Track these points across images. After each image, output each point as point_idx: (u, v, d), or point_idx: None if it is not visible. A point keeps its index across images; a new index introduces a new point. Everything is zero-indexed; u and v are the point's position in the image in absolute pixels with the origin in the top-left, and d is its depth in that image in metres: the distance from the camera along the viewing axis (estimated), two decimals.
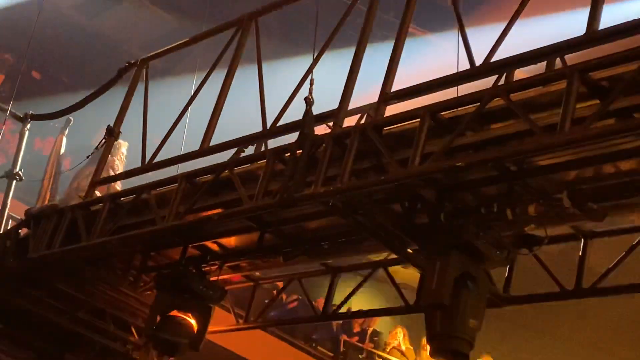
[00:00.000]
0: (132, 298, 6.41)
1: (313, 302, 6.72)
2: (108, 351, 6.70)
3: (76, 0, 13.69)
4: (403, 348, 11.00)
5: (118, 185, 7.05)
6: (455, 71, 4.83)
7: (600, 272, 4.83)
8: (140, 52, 7.36)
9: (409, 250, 4.94)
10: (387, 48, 4.89)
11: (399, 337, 11.02)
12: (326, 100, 5.07)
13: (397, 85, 4.83)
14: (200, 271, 5.89)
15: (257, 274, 6.50)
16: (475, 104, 4.26)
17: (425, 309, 4.56)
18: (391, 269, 5.73)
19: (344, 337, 11.24)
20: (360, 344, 11.31)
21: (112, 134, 6.28)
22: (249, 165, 5.31)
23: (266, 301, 7.07)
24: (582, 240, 4.91)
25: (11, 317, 6.77)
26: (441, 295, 4.45)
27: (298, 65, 5.89)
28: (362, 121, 5.79)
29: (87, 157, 6.75)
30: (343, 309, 6.10)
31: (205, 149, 5.56)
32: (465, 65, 4.58)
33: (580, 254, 4.90)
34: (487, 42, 4.37)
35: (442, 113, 4.41)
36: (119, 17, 14.28)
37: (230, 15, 6.02)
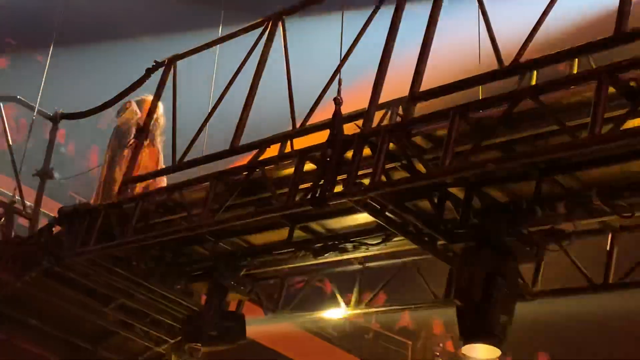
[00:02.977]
0: (163, 295, 6.51)
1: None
2: (141, 349, 6.83)
3: None
4: None
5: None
6: (476, 62, 4.93)
7: (629, 266, 4.91)
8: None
9: (438, 245, 5.05)
10: None
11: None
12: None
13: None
14: (231, 268, 5.99)
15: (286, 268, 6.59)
16: (505, 104, 4.35)
17: (456, 305, 4.65)
18: None
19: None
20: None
21: (142, 133, 6.38)
22: (279, 164, 5.40)
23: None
24: (610, 234, 4.99)
25: (45, 313, 6.91)
26: (472, 292, 4.55)
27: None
28: (388, 117, 5.93)
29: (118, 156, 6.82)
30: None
31: (236, 148, 5.65)
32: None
33: (608, 248, 4.97)
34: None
35: (472, 113, 4.50)
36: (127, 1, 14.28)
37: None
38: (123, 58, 12.76)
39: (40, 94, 7.99)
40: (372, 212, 4.97)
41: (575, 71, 4.79)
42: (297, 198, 5.04)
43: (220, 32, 7.98)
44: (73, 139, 12.55)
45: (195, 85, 7.45)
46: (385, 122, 5.88)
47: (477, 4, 4.74)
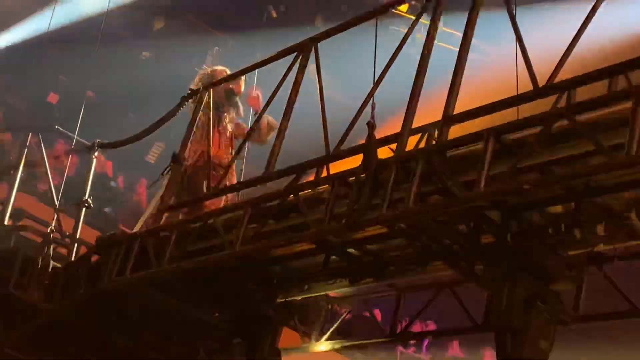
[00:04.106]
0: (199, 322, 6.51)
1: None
2: None
3: (125, 19, 13.91)
4: None
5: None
6: (514, 84, 4.86)
7: None
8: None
9: (475, 270, 4.97)
10: None
11: None
12: None
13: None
14: (267, 295, 5.97)
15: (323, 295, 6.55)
16: (540, 125, 4.28)
17: (494, 331, 4.57)
18: None
19: (400, 348, 11.25)
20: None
21: (178, 160, 6.41)
22: (313, 189, 5.37)
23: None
24: None
25: (83, 341, 6.94)
26: (510, 317, 4.47)
27: None
28: (422, 143, 5.88)
29: (152, 183, 6.87)
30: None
31: (271, 174, 5.64)
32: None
33: None
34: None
35: (507, 135, 4.44)
36: (168, 35, 14.49)
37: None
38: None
39: (79, 124, 8.08)
40: (407, 237, 4.92)
41: (612, 90, 4.70)
42: (331, 223, 5.01)
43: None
44: (122, 172, 12.72)
45: None
46: (422, 145, 5.84)
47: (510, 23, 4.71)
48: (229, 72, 7.24)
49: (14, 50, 14.03)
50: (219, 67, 7.35)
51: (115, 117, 12.87)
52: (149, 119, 6.97)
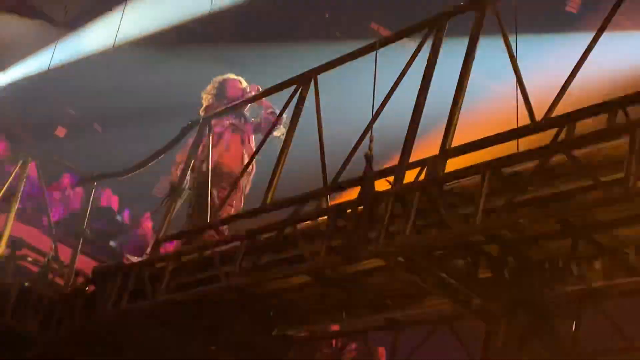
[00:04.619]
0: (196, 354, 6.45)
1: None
2: None
3: (135, 53, 14.01)
4: None
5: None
6: (514, 119, 4.84)
7: None
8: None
9: (473, 305, 4.93)
10: None
11: None
12: None
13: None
14: (263, 328, 5.92)
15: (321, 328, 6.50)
16: (537, 159, 4.26)
17: None
18: None
19: None
20: None
21: (176, 191, 6.40)
22: (310, 221, 5.35)
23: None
24: None
25: None
26: (508, 353, 4.42)
27: None
28: (422, 176, 5.85)
29: (153, 212, 6.86)
30: None
31: (267, 206, 5.62)
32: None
33: None
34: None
35: (504, 168, 4.42)
36: (178, 70, 14.57)
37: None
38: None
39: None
40: (404, 270, 4.89)
41: (610, 125, 4.68)
42: (328, 256, 4.98)
43: None
44: (128, 206, 12.75)
45: None
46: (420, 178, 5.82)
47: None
48: (243, 80, 7.24)
49: (22, 83, 14.14)
50: (231, 76, 7.30)
51: (124, 149, 12.91)
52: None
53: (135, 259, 6.63)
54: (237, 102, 6.69)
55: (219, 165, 6.76)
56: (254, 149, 6.81)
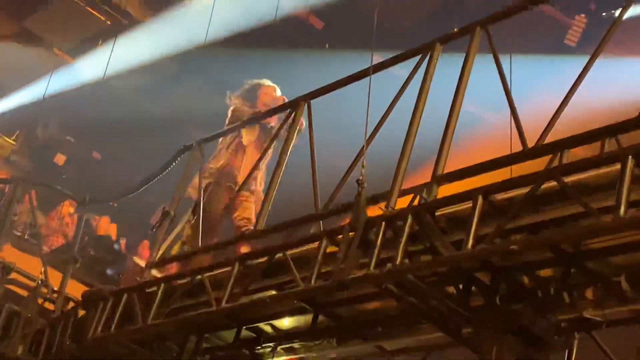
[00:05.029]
0: None
1: None
2: None
3: (135, 82, 14.06)
4: None
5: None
6: (509, 146, 4.83)
7: None
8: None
9: (464, 333, 4.88)
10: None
11: None
12: None
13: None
14: (254, 353, 5.87)
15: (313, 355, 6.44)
16: (529, 186, 4.24)
17: None
18: None
19: None
20: None
21: (168, 216, 6.36)
22: (302, 247, 5.31)
23: None
24: None
25: None
26: None
27: None
28: (415, 202, 5.83)
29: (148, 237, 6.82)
30: None
31: (259, 231, 5.59)
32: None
33: None
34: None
35: (495, 195, 4.40)
36: (178, 99, 14.62)
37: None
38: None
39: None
40: (395, 296, 4.85)
41: (602, 152, 4.67)
42: (319, 282, 4.94)
43: None
44: (125, 235, 12.74)
45: None
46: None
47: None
48: (277, 88, 7.15)
49: (20, 110, 14.18)
50: (267, 82, 7.17)
51: (122, 177, 12.91)
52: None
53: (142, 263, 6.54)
54: (238, 124, 6.64)
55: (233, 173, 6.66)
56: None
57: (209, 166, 6.90)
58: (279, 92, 7.16)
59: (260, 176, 6.81)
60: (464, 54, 4.91)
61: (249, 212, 6.82)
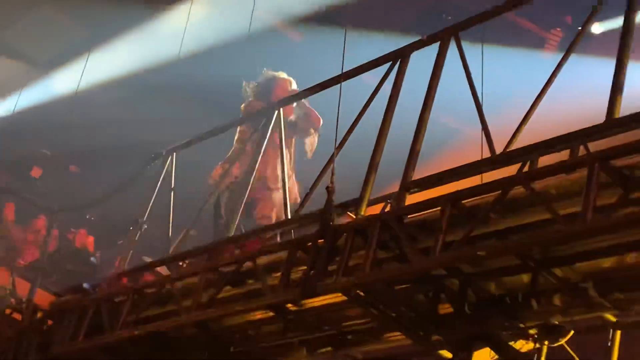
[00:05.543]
0: None
1: None
2: None
3: (112, 95, 13.99)
4: None
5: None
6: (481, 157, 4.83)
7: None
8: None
9: (433, 340, 4.86)
10: None
11: None
12: None
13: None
14: None
15: None
16: (497, 192, 4.23)
17: None
18: None
19: None
20: None
21: (137, 225, 6.31)
22: (271, 255, 5.28)
23: None
24: (611, 331, 4.79)
25: None
26: None
27: None
28: (385, 210, 5.81)
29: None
30: None
31: (229, 239, 5.56)
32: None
33: (609, 344, 4.77)
34: None
35: (464, 201, 4.39)
36: (155, 112, 14.57)
37: None
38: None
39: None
40: (364, 304, 4.82)
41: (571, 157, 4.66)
42: (287, 290, 4.91)
43: None
44: (102, 247, 12.63)
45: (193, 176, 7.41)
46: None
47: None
48: (293, 82, 6.98)
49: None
50: (282, 75, 6.99)
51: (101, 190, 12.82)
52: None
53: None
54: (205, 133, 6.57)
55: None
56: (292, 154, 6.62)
57: (225, 165, 6.68)
58: (294, 86, 6.96)
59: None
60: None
61: (269, 209, 6.65)
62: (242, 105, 7.01)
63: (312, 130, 6.78)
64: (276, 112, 5.84)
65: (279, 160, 6.21)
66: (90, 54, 12.34)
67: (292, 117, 6.81)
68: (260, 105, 6.70)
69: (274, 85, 6.94)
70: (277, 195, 6.52)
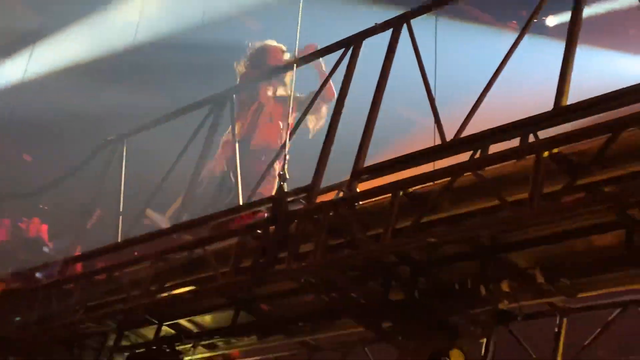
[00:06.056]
0: None
1: None
2: None
3: (68, 82, 13.82)
4: None
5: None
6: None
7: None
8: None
9: (384, 327, 4.87)
10: None
11: None
12: None
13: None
14: (174, 350, 5.76)
15: (235, 352, 6.37)
16: (447, 179, 4.24)
17: None
18: None
19: None
20: None
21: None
22: (222, 241, 5.24)
23: None
24: (558, 317, 4.84)
25: None
26: None
27: None
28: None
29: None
30: None
31: (180, 225, 5.51)
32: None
33: (556, 330, 4.82)
34: None
35: (414, 188, 4.39)
36: (111, 99, 14.43)
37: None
38: None
39: None
40: (314, 291, 4.82)
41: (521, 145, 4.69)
42: (238, 277, 4.88)
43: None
44: (57, 237, 12.44)
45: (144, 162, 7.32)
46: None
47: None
48: (284, 48, 6.63)
49: None
50: (272, 42, 6.64)
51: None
52: None
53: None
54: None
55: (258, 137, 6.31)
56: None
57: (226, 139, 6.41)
58: (286, 53, 6.64)
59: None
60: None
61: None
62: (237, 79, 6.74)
63: (321, 104, 6.20)
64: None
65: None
66: (42, 41, 12.14)
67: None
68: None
69: (266, 54, 6.67)
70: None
